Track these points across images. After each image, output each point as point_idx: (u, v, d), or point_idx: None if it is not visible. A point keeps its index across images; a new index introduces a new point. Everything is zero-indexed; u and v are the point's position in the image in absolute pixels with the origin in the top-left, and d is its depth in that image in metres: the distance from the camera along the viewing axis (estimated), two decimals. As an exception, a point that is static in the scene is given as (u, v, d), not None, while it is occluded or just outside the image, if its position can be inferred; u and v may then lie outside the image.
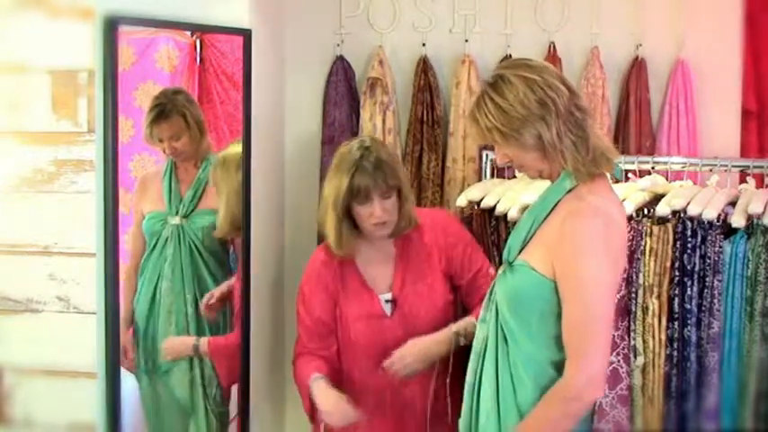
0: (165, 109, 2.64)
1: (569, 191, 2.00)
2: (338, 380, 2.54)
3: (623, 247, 2.09)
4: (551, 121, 1.95)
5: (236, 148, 2.70)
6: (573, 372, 1.94)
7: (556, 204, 2.03)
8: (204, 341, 2.71)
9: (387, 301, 2.52)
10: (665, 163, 2.76)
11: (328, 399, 2.43)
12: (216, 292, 2.73)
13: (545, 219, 2.04)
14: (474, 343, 2.16)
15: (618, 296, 2.46)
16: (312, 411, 2.51)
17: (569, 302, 1.95)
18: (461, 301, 2.61)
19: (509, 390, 2.03)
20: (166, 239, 2.66)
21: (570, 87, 2.00)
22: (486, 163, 2.97)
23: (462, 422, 2.17)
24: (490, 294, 2.13)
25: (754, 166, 2.68)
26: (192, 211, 2.68)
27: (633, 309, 2.48)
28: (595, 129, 2.04)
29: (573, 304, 1.94)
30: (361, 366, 2.53)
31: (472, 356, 2.15)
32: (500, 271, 2.12)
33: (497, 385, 2.05)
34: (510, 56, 3.08)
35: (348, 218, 2.48)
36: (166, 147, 2.64)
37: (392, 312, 2.52)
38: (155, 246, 2.66)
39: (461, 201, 2.81)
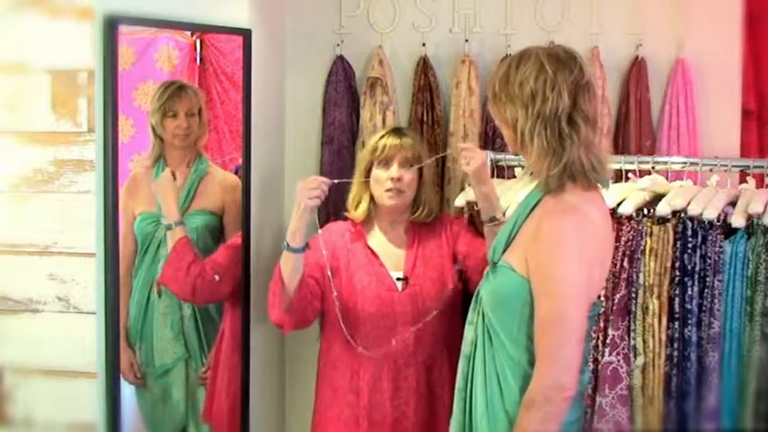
0: (183, 84, 2.67)
1: (550, 191, 1.99)
2: (341, 350, 2.58)
3: (603, 249, 2.05)
4: (531, 115, 1.95)
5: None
6: (539, 374, 1.92)
7: (536, 204, 2.03)
8: (178, 230, 2.59)
9: (398, 279, 2.59)
10: (665, 163, 2.76)
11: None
12: None
13: (526, 219, 2.03)
14: (463, 345, 2.15)
15: (618, 296, 2.47)
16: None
17: (539, 301, 1.93)
18: (463, 266, 2.65)
19: (497, 393, 2.02)
20: (160, 241, 2.63)
21: (577, 101, 1.95)
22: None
23: (454, 427, 2.15)
24: (476, 296, 2.12)
25: (754, 166, 2.67)
26: (186, 211, 2.65)
27: (633, 309, 2.48)
28: (595, 152, 1.98)
29: (541, 303, 1.93)
30: (367, 336, 2.55)
31: (462, 360, 2.14)
32: (485, 272, 2.11)
33: (486, 389, 2.04)
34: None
35: (367, 188, 2.61)
36: (181, 122, 2.62)
37: (403, 289, 2.57)
38: (148, 247, 2.63)
39: (460, 201, 2.81)
